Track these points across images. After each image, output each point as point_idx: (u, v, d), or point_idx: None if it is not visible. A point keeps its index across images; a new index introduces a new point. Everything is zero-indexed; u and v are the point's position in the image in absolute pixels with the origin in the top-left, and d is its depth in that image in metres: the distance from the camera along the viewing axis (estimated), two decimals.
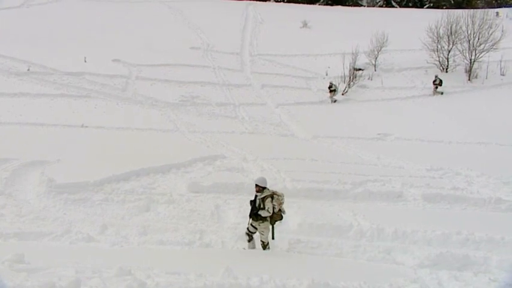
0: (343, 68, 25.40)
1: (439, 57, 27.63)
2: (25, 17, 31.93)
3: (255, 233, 8.26)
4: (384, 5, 51.96)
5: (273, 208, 7.99)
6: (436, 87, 24.51)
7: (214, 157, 13.74)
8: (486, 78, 26.37)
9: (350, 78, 25.26)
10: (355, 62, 26.17)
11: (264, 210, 7.95)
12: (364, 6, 52.20)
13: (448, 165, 14.06)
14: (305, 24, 36.40)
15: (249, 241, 8.27)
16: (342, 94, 24.44)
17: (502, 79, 26.42)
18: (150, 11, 37.69)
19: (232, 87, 23.99)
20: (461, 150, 16.78)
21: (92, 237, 8.31)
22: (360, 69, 26.52)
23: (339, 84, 24.75)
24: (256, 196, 8.11)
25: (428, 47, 27.65)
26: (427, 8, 49.32)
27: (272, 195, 8.02)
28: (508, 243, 8.57)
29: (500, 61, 26.61)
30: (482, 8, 38.69)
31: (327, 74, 26.50)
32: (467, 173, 13.40)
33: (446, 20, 28.10)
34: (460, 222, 9.73)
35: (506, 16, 36.08)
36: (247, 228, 8.25)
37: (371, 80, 26.30)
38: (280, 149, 15.60)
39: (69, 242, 7.94)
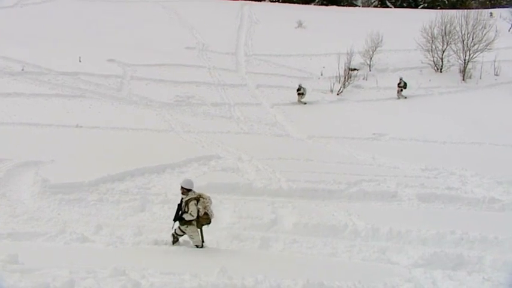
0: (338, 68, 25.43)
1: (433, 57, 27.75)
2: (19, 17, 31.76)
3: (182, 235, 8.13)
4: (379, 5, 52.08)
5: (198, 211, 7.79)
6: (401, 90, 23.97)
7: (209, 157, 13.72)
8: (480, 78, 26.51)
9: (345, 78, 25.29)
10: (350, 62, 26.21)
11: (187, 213, 7.77)
12: (359, 6, 52.29)
13: (443, 165, 14.12)
14: (300, 24, 36.43)
15: (173, 243, 8.14)
16: (337, 94, 24.48)
17: (496, 79, 26.57)
18: (144, 10, 37.58)
19: (228, 87, 23.98)
20: (455, 150, 16.86)
21: (86, 237, 8.28)
22: (354, 69, 26.57)
23: (333, 84, 24.81)
24: (182, 199, 7.98)
25: (422, 47, 27.77)
26: (422, 8, 49.48)
27: (198, 198, 7.83)
28: (501, 242, 8.63)
29: (494, 61, 26.76)
30: (476, 8, 38.84)
31: (321, 74, 26.55)
32: (462, 172, 13.46)
33: (440, 20, 28.23)
34: (454, 222, 9.79)
35: (500, 16, 36.26)
36: (175, 231, 8.11)
37: (366, 80, 26.36)
38: (275, 149, 15.59)
39: (64, 243, 7.91)
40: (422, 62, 27.55)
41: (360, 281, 6.43)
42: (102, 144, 14.34)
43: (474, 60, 26.88)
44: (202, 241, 8.13)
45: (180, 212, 7.89)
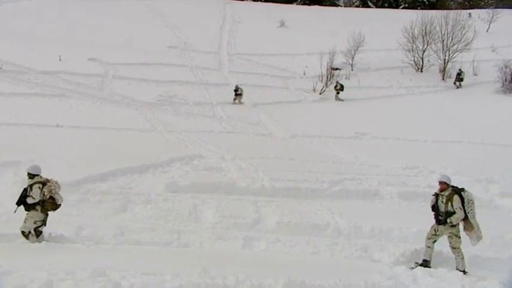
0: (321, 68, 25.57)
1: (414, 57, 28.14)
2: None
3: (40, 226, 7.87)
4: (360, 5, 52.54)
5: (43, 195, 7.65)
6: (338, 93, 23.98)
7: (192, 156, 13.65)
8: None
9: (327, 77, 25.45)
10: (332, 61, 26.38)
11: (30, 197, 7.63)
12: (341, 6, 52.72)
13: (423, 163, 14.29)
14: (282, 24, 36.54)
15: (26, 237, 7.77)
16: (320, 93, 24.61)
17: (474, 79, 27.05)
18: (126, 9, 37.25)
19: (210, 86, 23.92)
20: (436, 148, 17.08)
21: (67, 238, 8.16)
22: (337, 69, 26.77)
23: (316, 84, 24.92)
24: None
25: (403, 47, 28.12)
26: (402, 8, 50.09)
27: (44, 182, 7.72)
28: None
29: (473, 61, 27.22)
30: (455, 9, 39.48)
31: (304, 74, 26.65)
32: (442, 171, 13.58)
33: (420, 20, 28.64)
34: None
35: (478, 17, 36.90)
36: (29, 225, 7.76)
37: (348, 79, 26.57)
38: (258, 148, 15.61)
39: (44, 244, 7.78)
40: (403, 62, 27.89)
41: (341, 279, 6.45)
42: (83, 144, 14.16)
43: (453, 60, 27.32)
44: (44, 224, 7.82)
45: (24, 196, 7.69)
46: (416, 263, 7.85)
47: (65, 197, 10.04)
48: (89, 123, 16.72)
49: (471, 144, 17.54)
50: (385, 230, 9.22)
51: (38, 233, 7.91)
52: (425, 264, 7.84)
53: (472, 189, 11.85)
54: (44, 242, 7.77)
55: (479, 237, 7.76)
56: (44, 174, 10.72)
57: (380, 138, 18.22)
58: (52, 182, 7.81)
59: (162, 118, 18.86)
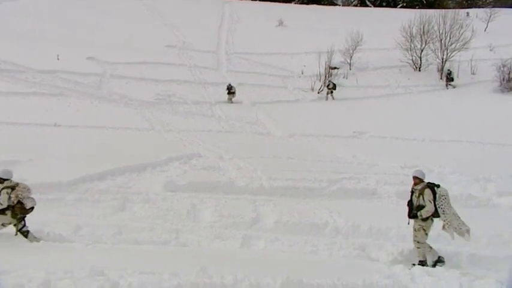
0: (319, 67, 25.58)
1: (412, 56, 28.17)
2: None
3: (24, 227, 7.83)
4: (359, 5, 52.53)
5: (11, 200, 7.56)
6: (331, 92, 23.97)
7: (190, 156, 13.66)
8: (457, 77, 26.97)
9: (325, 76, 25.47)
10: (330, 60, 26.41)
11: None
12: (339, 5, 52.71)
13: (421, 162, 14.26)
14: (281, 23, 36.53)
15: None
16: (318, 93, 24.62)
17: (472, 78, 27.09)
18: (126, 9, 37.18)
19: (209, 85, 23.92)
20: (434, 147, 17.11)
21: (65, 237, 8.15)
22: (335, 68, 26.80)
23: (314, 83, 24.93)
24: None
25: (401, 46, 28.14)
26: (400, 7, 50.08)
27: (13, 187, 7.62)
28: (477, 238, 8.78)
29: (471, 60, 27.26)
30: (453, 8, 39.51)
31: (302, 73, 26.67)
32: (440, 170, 13.64)
33: (419, 19, 28.67)
34: None
35: (476, 17, 36.93)
36: None
37: (346, 78, 26.59)
38: (256, 148, 15.61)
39: (42, 243, 7.78)
40: (401, 61, 27.91)
41: (340, 278, 6.45)
42: (81, 144, 14.16)
43: (451, 59, 27.36)
44: (16, 233, 7.79)
45: None
46: (413, 264, 7.87)
47: (63, 196, 10.14)
48: (87, 122, 16.72)
49: (469, 144, 17.56)
50: (383, 229, 9.22)
51: (25, 233, 7.88)
52: (423, 264, 7.86)
53: (470, 188, 12.01)
54: (42, 241, 7.77)
55: (459, 231, 7.77)
56: (43, 174, 10.76)
57: (378, 138, 18.24)
58: (20, 187, 7.68)
59: (161, 117, 18.86)
